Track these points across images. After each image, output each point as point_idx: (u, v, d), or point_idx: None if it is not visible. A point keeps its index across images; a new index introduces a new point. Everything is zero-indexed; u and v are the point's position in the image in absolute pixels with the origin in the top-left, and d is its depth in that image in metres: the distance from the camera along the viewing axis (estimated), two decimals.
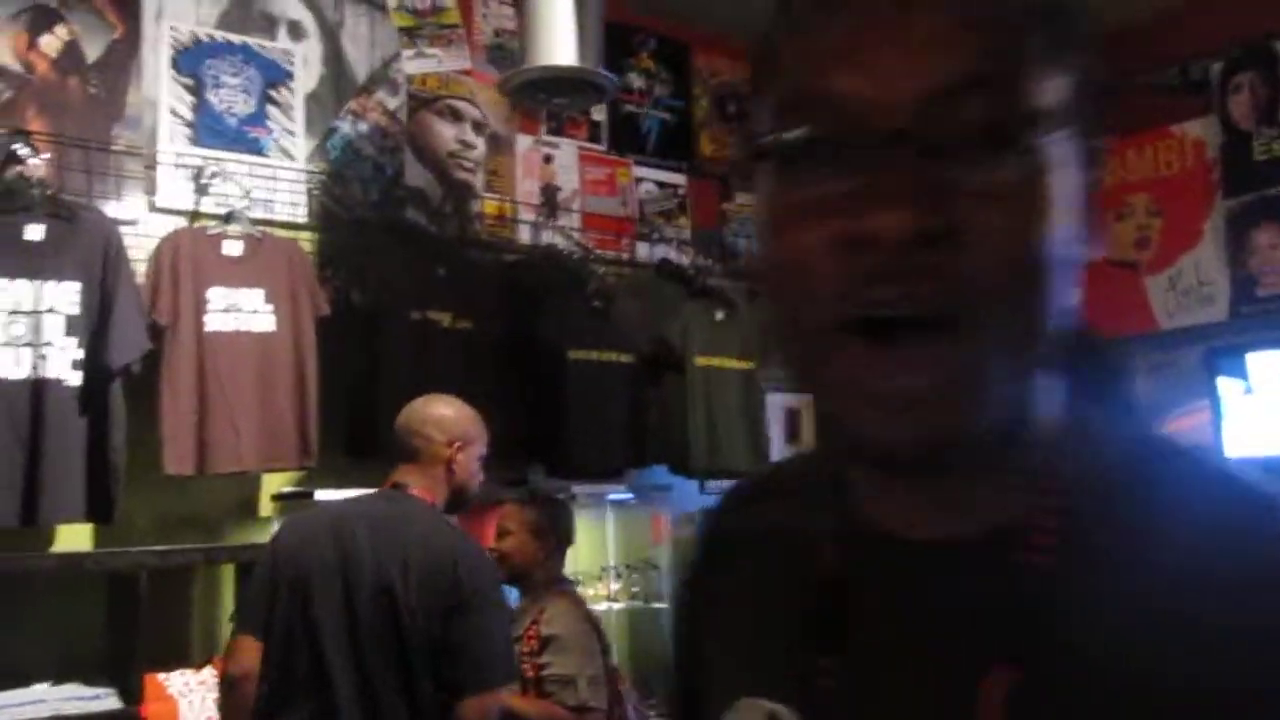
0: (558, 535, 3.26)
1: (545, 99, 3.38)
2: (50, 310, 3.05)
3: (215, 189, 3.60)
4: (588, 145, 4.62)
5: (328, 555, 2.41)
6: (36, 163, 3.16)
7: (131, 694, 3.03)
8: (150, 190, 3.56)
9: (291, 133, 3.88)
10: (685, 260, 4.62)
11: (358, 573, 2.38)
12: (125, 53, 3.60)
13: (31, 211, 3.09)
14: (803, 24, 0.61)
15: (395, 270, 3.75)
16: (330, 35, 4.02)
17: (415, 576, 2.36)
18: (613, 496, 4.28)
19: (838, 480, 0.70)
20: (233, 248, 3.44)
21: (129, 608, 3.11)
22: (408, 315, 3.71)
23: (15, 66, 3.40)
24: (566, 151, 4.55)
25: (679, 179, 4.88)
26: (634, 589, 4.29)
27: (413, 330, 3.71)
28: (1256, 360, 4.46)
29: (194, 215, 3.57)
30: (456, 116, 4.27)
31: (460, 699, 2.32)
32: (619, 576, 4.29)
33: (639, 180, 4.75)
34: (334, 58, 4.02)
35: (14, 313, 3.01)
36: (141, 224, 3.48)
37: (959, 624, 0.61)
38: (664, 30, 4.90)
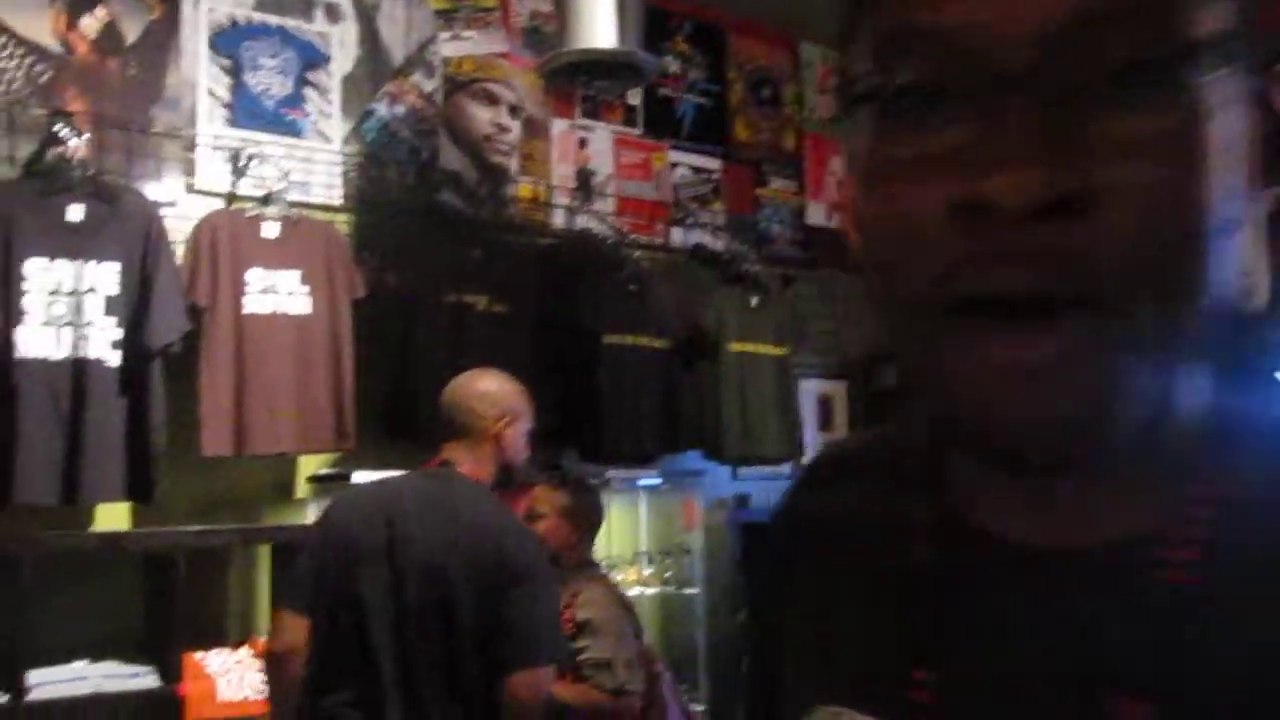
0: (589, 519, 3.25)
1: (585, 81, 3.36)
2: (91, 290, 3.07)
3: (252, 171, 3.60)
4: (623, 129, 4.60)
5: (375, 534, 2.40)
6: (77, 144, 3.17)
7: (170, 672, 3.05)
8: (188, 172, 3.57)
9: (328, 115, 3.88)
10: (719, 245, 4.59)
11: (405, 551, 2.37)
12: (164, 34, 3.60)
13: (73, 192, 3.10)
14: None
15: (431, 253, 3.75)
16: (366, 17, 4.01)
17: (463, 555, 2.35)
18: (644, 482, 4.28)
19: (934, 468, 0.62)
20: (270, 229, 3.45)
21: (167, 587, 3.13)
22: (443, 298, 3.71)
23: (55, 47, 3.42)
24: (601, 135, 4.54)
25: (714, 163, 4.86)
26: (666, 574, 4.29)
27: (448, 313, 3.71)
28: None
29: (231, 197, 3.58)
30: (492, 100, 4.25)
31: (508, 675, 2.31)
32: (651, 562, 4.29)
33: (674, 165, 4.73)
34: (370, 40, 4.02)
35: (55, 293, 3.02)
36: (179, 205, 3.49)
37: (1081, 645, 0.53)
38: (700, 14, 4.87)
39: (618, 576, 3.88)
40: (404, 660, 2.33)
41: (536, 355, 3.85)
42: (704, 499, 4.43)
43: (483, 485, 2.54)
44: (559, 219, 4.33)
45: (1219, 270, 0.49)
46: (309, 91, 3.85)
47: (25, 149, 3.23)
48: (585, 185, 4.40)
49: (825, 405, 5.08)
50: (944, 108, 0.50)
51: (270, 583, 3.51)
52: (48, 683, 2.90)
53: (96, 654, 3.07)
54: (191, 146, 3.58)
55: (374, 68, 4.02)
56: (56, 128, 3.17)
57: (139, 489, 3.09)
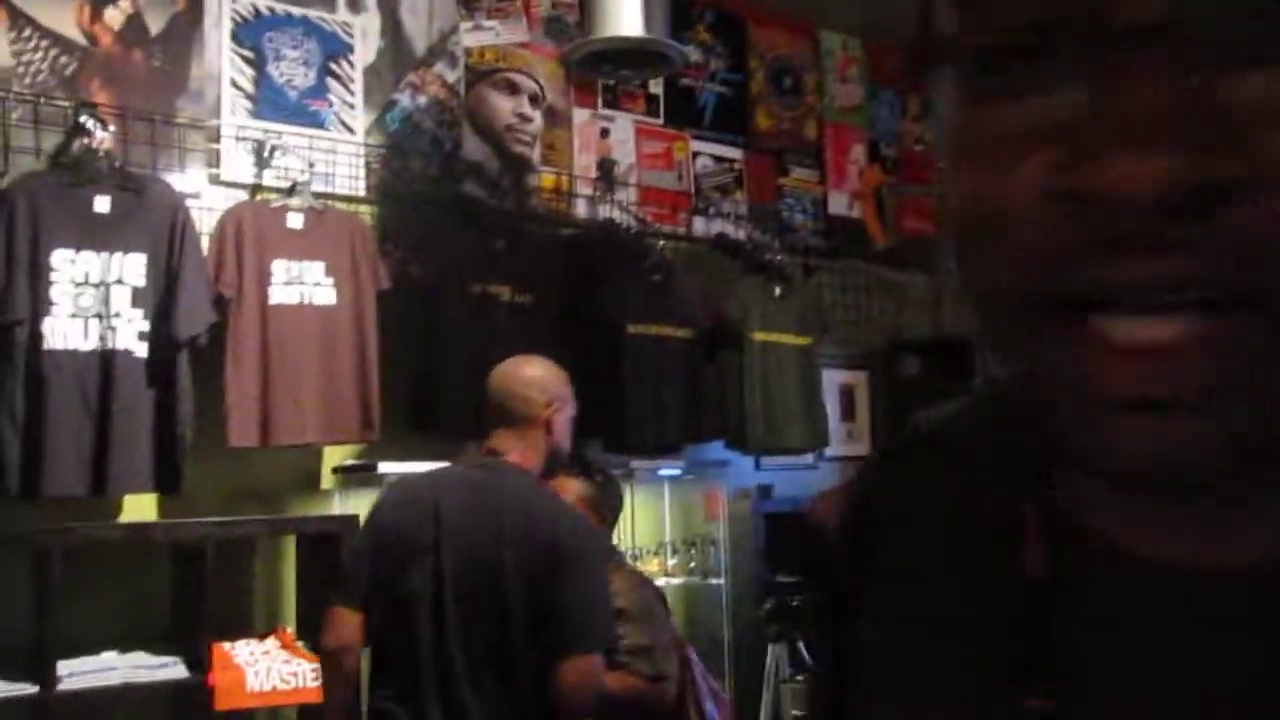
0: (611, 509, 3.25)
1: (610, 70, 3.35)
2: (118, 282, 3.07)
3: (276, 162, 3.60)
4: (644, 119, 4.59)
5: (423, 528, 2.39)
6: (103, 135, 3.17)
7: (198, 663, 3.06)
8: (212, 163, 3.57)
9: (351, 106, 3.87)
10: (741, 235, 4.58)
11: (452, 545, 2.36)
12: (187, 25, 3.60)
13: (99, 184, 3.10)
14: None
15: (455, 244, 3.75)
16: (388, 8, 4.00)
17: (512, 545, 2.33)
18: (664, 472, 4.26)
19: (1038, 461, 0.53)
20: (295, 220, 3.45)
21: (194, 578, 3.14)
22: (468, 289, 3.70)
23: (80, 39, 3.42)
24: (623, 125, 4.52)
25: (735, 153, 4.84)
26: (690, 565, 4.28)
27: (472, 304, 3.70)
28: None
29: (255, 189, 3.58)
30: (514, 89, 4.24)
31: (560, 662, 2.30)
32: (675, 552, 4.28)
33: (695, 154, 4.71)
34: (392, 30, 4.01)
35: (82, 284, 3.03)
36: (203, 197, 3.49)
37: (1230, 680, 0.45)
38: (720, 3, 4.85)
39: (641, 567, 3.87)
40: (449, 655, 2.31)
41: (560, 346, 3.82)
42: (728, 489, 4.42)
43: (531, 473, 2.52)
44: (581, 209, 4.32)
45: None
46: (332, 82, 3.84)
47: (50, 141, 3.23)
48: (607, 175, 4.38)
49: (847, 395, 5.06)
50: (1050, 69, 0.41)
51: (296, 573, 3.52)
52: (78, 673, 2.91)
53: (125, 645, 3.08)
54: (215, 138, 3.58)
55: (396, 58, 4.01)
56: (82, 119, 3.17)
57: (167, 480, 3.09)
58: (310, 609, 3.44)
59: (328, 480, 3.66)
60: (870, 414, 5.11)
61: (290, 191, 3.50)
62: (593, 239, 4.13)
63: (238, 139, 3.60)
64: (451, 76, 4.12)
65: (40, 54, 3.34)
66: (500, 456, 2.51)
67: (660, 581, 4.03)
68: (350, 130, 3.85)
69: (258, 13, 3.72)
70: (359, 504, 3.57)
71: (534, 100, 4.28)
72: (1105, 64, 0.39)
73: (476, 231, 3.81)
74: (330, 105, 3.83)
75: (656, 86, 4.60)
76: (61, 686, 2.86)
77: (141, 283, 3.09)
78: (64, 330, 2.99)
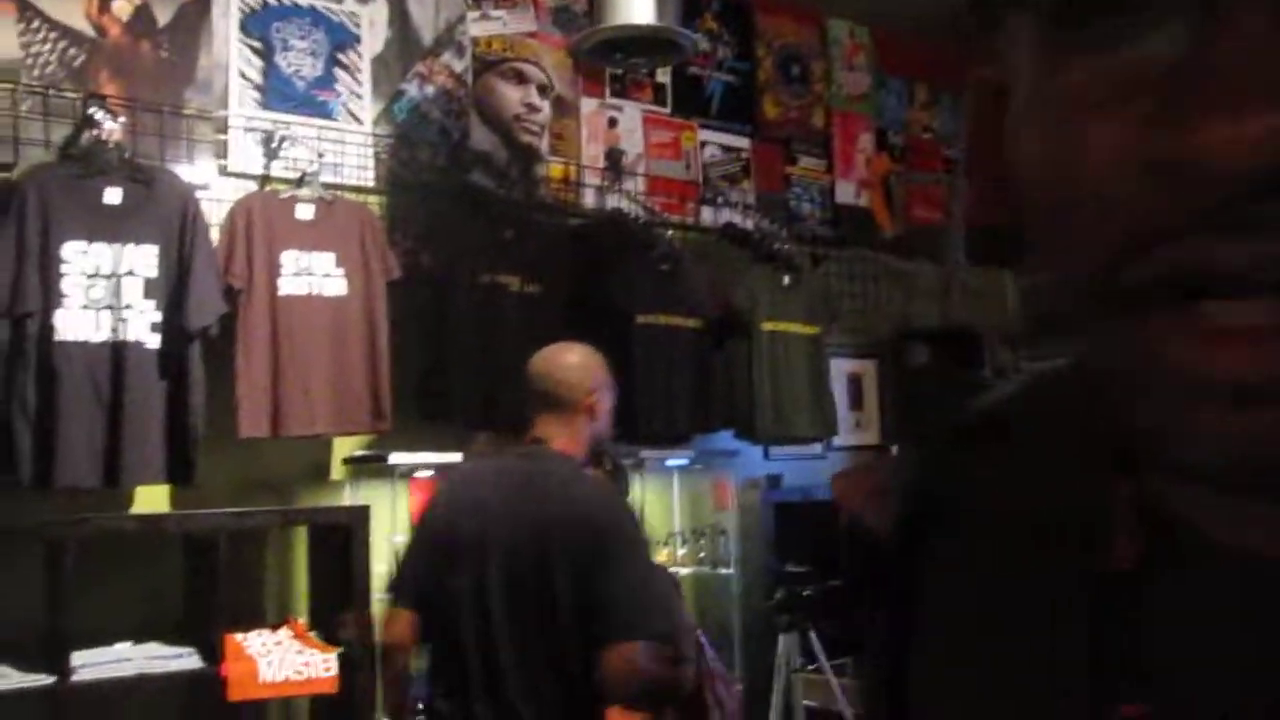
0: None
1: (621, 59, 3.34)
2: (129, 273, 3.07)
3: (284, 153, 3.60)
4: (652, 108, 4.58)
5: (470, 522, 2.40)
6: (113, 126, 3.16)
7: (211, 653, 3.06)
8: (220, 154, 3.57)
9: (359, 96, 3.86)
10: (749, 225, 4.57)
11: (500, 537, 2.36)
12: (195, 16, 3.59)
13: (109, 175, 3.10)
14: None
15: (464, 234, 3.74)
16: None
17: (558, 535, 2.33)
18: (673, 461, 4.26)
19: (1119, 448, 0.47)
20: (305, 211, 3.44)
21: (207, 569, 3.14)
22: (477, 279, 3.70)
23: (88, 31, 3.41)
24: (630, 114, 4.51)
25: (743, 142, 4.83)
26: (700, 554, 4.28)
27: (482, 294, 3.70)
28: None
29: (264, 179, 3.58)
30: (521, 79, 4.23)
31: (603, 650, 2.28)
32: (685, 542, 4.28)
33: (703, 143, 4.70)
34: (400, 20, 4.00)
35: (94, 276, 3.02)
36: (212, 188, 3.49)
37: None
38: None
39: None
40: (496, 650, 2.31)
41: (570, 335, 3.83)
42: (736, 479, 4.42)
43: (575, 460, 2.52)
44: (589, 199, 4.31)
45: None
46: (340, 72, 3.84)
47: (59, 133, 3.23)
48: (615, 165, 4.37)
49: (855, 384, 5.06)
50: (1141, 17, 0.36)
51: (308, 564, 3.52)
52: (92, 664, 2.91)
53: (138, 636, 3.08)
54: (224, 129, 3.58)
55: (403, 48, 4.00)
56: (91, 111, 3.16)
57: (179, 471, 3.10)
58: (322, 599, 3.45)
59: (338, 471, 3.66)
60: (879, 403, 5.10)
61: (299, 182, 3.49)
62: (601, 229, 4.13)
63: (246, 130, 3.60)
64: (459, 66, 4.11)
65: (49, 46, 3.34)
66: (544, 444, 2.50)
67: (670, 571, 4.04)
68: (358, 120, 3.84)
69: (265, 3, 3.72)
70: (370, 495, 3.58)
71: (542, 90, 4.27)
72: (1206, 10, 0.34)
73: (485, 221, 3.80)
74: (338, 95, 3.82)
75: (664, 75, 4.59)
76: (76, 677, 2.86)
77: (153, 274, 3.09)
78: (75, 322, 2.99)
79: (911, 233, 5.31)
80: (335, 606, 3.36)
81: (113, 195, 3.08)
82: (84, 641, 2.94)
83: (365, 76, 3.89)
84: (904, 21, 5.28)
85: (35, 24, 3.32)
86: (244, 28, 3.67)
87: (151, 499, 3.30)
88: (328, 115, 3.78)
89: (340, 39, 3.85)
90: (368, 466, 3.62)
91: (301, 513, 3.50)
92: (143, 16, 3.50)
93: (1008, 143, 0.44)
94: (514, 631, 2.32)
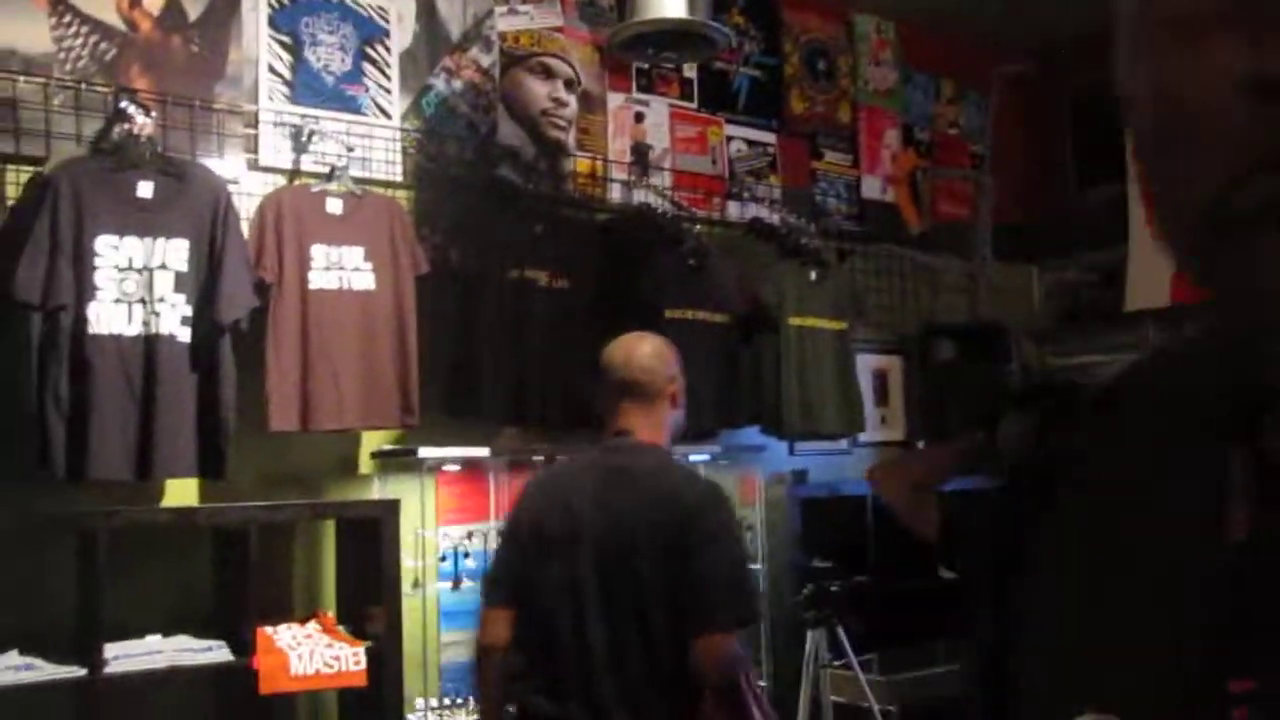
0: None
1: (653, 54, 3.33)
2: (161, 266, 3.07)
3: (313, 147, 3.60)
4: (678, 103, 4.57)
5: (561, 518, 2.39)
6: (144, 121, 3.17)
7: (241, 646, 3.07)
8: (250, 149, 3.57)
9: (387, 90, 3.87)
10: (775, 220, 4.55)
11: (591, 533, 2.35)
12: (225, 11, 3.60)
13: (141, 169, 3.10)
14: None
15: (493, 228, 3.74)
16: None
17: (649, 526, 2.31)
18: (698, 456, 4.23)
19: (1249, 411, 0.46)
20: (334, 205, 3.45)
21: (237, 562, 3.15)
22: (506, 274, 3.70)
23: (119, 25, 3.42)
24: (657, 109, 4.50)
25: (769, 137, 4.82)
26: None
27: (510, 289, 3.70)
28: None
29: (293, 174, 3.59)
30: (549, 74, 4.23)
31: (694, 640, 2.27)
32: None
33: (729, 138, 4.69)
34: (427, 15, 4.00)
35: (126, 269, 3.03)
36: (242, 182, 3.49)
37: None
38: None
39: None
40: (589, 646, 2.31)
41: (597, 330, 3.82)
42: (763, 474, 4.41)
43: (661, 449, 2.51)
44: (616, 194, 4.30)
45: None
46: (368, 67, 3.84)
47: (91, 127, 3.24)
48: (642, 159, 4.37)
49: (881, 380, 5.04)
50: None
51: (336, 557, 3.53)
52: (124, 656, 2.92)
53: (168, 628, 3.09)
54: (253, 123, 3.58)
55: (431, 43, 4.00)
56: (123, 105, 3.17)
57: (210, 465, 3.10)
58: (350, 593, 3.46)
59: (366, 465, 3.66)
60: (904, 399, 5.08)
61: (329, 176, 3.50)
62: (628, 224, 4.12)
63: (275, 124, 3.61)
64: (486, 61, 4.11)
65: (80, 40, 3.35)
66: (629, 436, 2.49)
67: None
68: (386, 115, 3.84)
69: None
70: (398, 489, 3.59)
71: (569, 85, 4.27)
72: None
73: (513, 216, 3.80)
74: (366, 90, 3.82)
75: (690, 71, 4.58)
76: (108, 669, 2.88)
77: (184, 268, 3.10)
78: (108, 315, 2.99)
79: (937, 228, 5.29)
80: (363, 600, 3.37)
81: (145, 189, 3.09)
82: (115, 634, 2.95)
83: (393, 71, 3.89)
84: (930, 16, 5.26)
85: (67, 18, 3.33)
86: (273, 23, 3.67)
87: (180, 492, 3.31)
88: (356, 110, 3.78)
89: (368, 33, 3.85)
90: (395, 460, 3.63)
91: (332, 506, 3.50)
92: (173, 11, 3.51)
93: (1119, 77, 0.43)
94: (608, 626, 2.31)
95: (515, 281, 3.71)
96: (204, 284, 3.12)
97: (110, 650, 2.90)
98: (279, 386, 3.29)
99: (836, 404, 4.40)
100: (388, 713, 3.28)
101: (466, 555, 3.76)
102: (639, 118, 4.46)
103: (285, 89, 3.67)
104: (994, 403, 4.90)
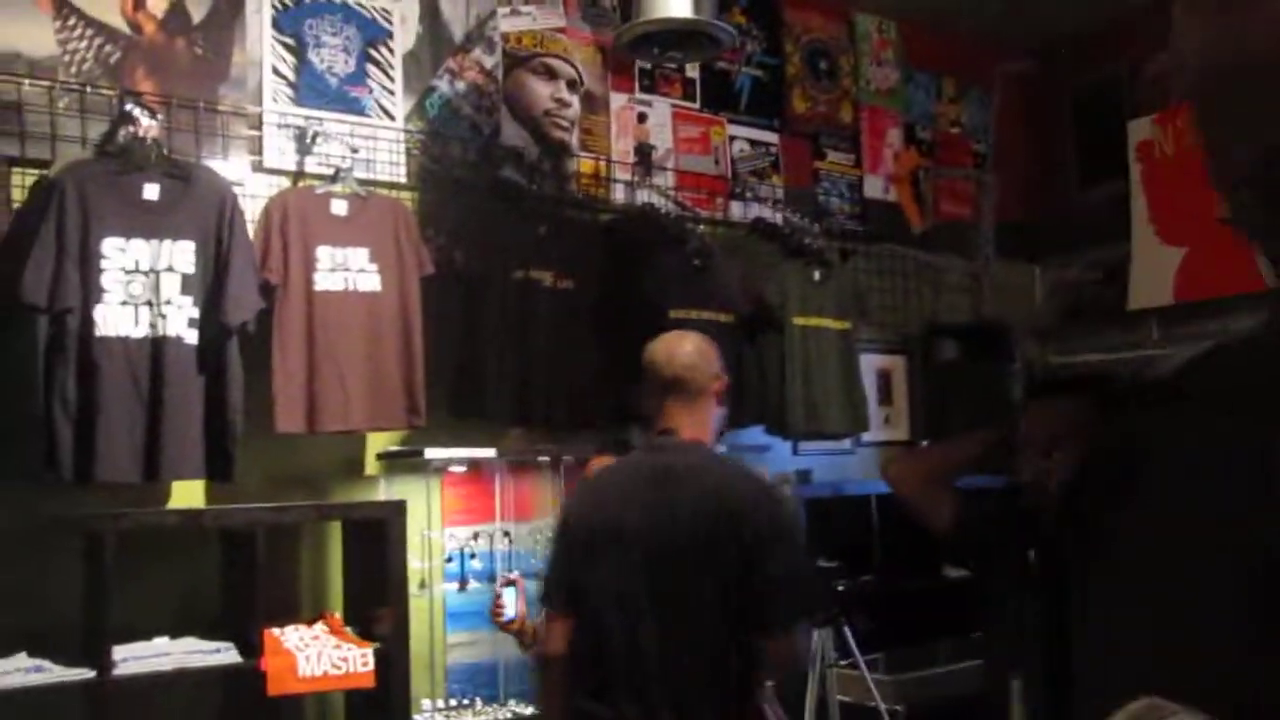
0: None
1: (659, 54, 3.33)
2: (168, 269, 3.07)
3: (317, 149, 3.61)
4: (681, 103, 4.57)
5: (613, 521, 2.38)
6: (150, 123, 3.18)
7: (249, 648, 3.07)
8: (254, 151, 3.58)
9: (391, 92, 3.87)
10: (778, 220, 4.56)
11: (644, 533, 2.34)
12: (228, 13, 3.60)
13: (147, 171, 3.11)
14: None
15: (497, 230, 3.74)
16: None
17: (700, 526, 2.31)
18: None
19: None
20: (339, 207, 3.45)
21: (244, 564, 3.15)
22: (510, 274, 3.70)
23: (124, 28, 3.42)
24: (660, 110, 4.51)
25: (771, 137, 4.82)
26: None
27: (516, 289, 3.70)
28: None
29: (297, 175, 3.59)
30: (551, 74, 4.23)
31: (765, 640, 2.29)
32: None
33: (732, 138, 4.69)
34: (430, 16, 4.00)
35: (133, 271, 3.03)
36: (246, 185, 3.49)
37: None
38: None
39: None
40: (642, 649, 2.30)
41: (603, 331, 3.84)
42: (767, 474, 4.40)
43: (707, 447, 2.51)
44: (619, 194, 4.31)
45: None
46: (372, 68, 3.84)
47: (95, 130, 3.24)
48: (645, 160, 4.37)
49: (884, 379, 5.04)
50: None
51: (343, 559, 3.53)
52: (132, 658, 2.93)
53: (176, 630, 3.09)
54: (257, 125, 3.59)
55: (435, 44, 4.00)
56: (128, 107, 3.17)
57: (218, 467, 3.10)
58: (356, 595, 3.46)
59: (371, 466, 3.66)
60: (908, 398, 5.08)
61: (334, 178, 3.50)
62: (632, 224, 4.12)
63: (279, 126, 3.61)
64: (489, 62, 4.11)
65: (85, 43, 3.35)
66: (675, 434, 2.48)
67: None
68: (390, 116, 3.85)
69: (298, 0, 3.72)
70: (403, 490, 3.59)
71: (571, 85, 4.27)
72: None
73: (517, 217, 3.80)
74: (370, 91, 3.83)
75: (693, 71, 4.59)
76: (116, 671, 2.88)
77: (191, 270, 3.10)
78: (115, 318, 3.00)
79: (939, 228, 5.29)
80: (370, 601, 3.37)
81: (151, 191, 3.09)
82: (122, 636, 2.95)
83: (397, 73, 3.90)
84: (931, 15, 5.26)
85: (72, 21, 3.33)
86: (277, 24, 3.68)
87: (186, 494, 3.31)
88: (360, 111, 3.78)
89: (372, 35, 3.86)
90: (401, 462, 3.63)
91: (338, 507, 3.51)
92: (177, 13, 3.51)
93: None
94: (660, 627, 2.30)
95: (520, 282, 3.71)
96: (211, 286, 3.12)
97: (118, 652, 2.90)
98: (285, 388, 3.29)
99: (840, 404, 4.40)
100: (395, 714, 3.29)
101: (473, 556, 3.76)
102: (642, 118, 4.46)
103: (289, 91, 3.67)
104: (1006, 398, 4.91)
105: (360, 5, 3.85)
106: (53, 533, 3.03)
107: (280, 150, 3.60)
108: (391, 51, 3.90)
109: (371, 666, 3.18)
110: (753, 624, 2.28)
